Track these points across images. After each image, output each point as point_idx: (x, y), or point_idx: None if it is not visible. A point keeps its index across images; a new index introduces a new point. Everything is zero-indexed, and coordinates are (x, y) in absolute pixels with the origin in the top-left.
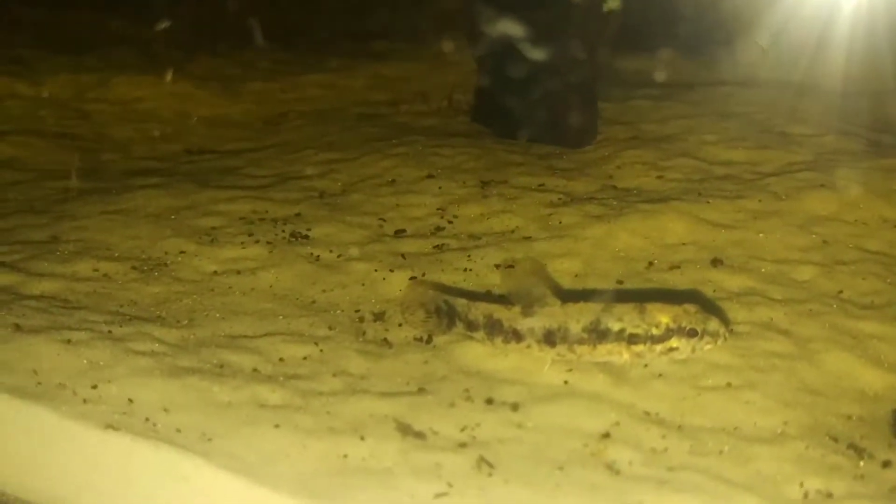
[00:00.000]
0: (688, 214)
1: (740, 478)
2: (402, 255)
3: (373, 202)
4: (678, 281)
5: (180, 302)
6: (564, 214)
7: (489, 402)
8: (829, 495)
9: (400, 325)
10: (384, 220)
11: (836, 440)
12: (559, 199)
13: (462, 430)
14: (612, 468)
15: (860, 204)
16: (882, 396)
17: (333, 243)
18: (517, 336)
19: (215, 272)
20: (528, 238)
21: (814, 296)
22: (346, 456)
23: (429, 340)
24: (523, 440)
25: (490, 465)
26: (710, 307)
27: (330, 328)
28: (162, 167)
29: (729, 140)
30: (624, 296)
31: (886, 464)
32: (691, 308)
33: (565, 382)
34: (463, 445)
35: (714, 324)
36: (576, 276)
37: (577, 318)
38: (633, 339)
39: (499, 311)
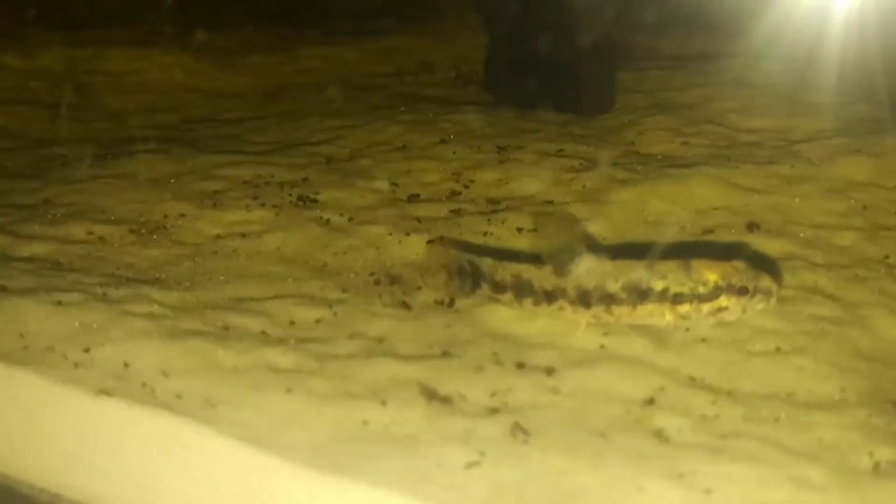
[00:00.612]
0: (718, 179)
1: (801, 447)
2: (418, 219)
3: (383, 167)
4: (713, 246)
5: (181, 265)
6: (588, 179)
7: (520, 366)
8: None
9: (419, 287)
10: (396, 185)
11: None
12: (581, 164)
13: (492, 395)
14: (659, 435)
15: None
16: None
17: (344, 207)
18: (549, 297)
19: (218, 235)
20: (550, 202)
21: (858, 261)
22: (365, 422)
23: (451, 304)
24: (560, 406)
25: (525, 432)
26: (760, 263)
27: (343, 291)
28: (159, 135)
29: (752, 108)
30: (664, 253)
31: None
32: (740, 264)
33: (601, 346)
34: (494, 411)
35: (766, 281)
36: (604, 240)
37: (615, 276)
38: (677, 299)
39: (528, 271)
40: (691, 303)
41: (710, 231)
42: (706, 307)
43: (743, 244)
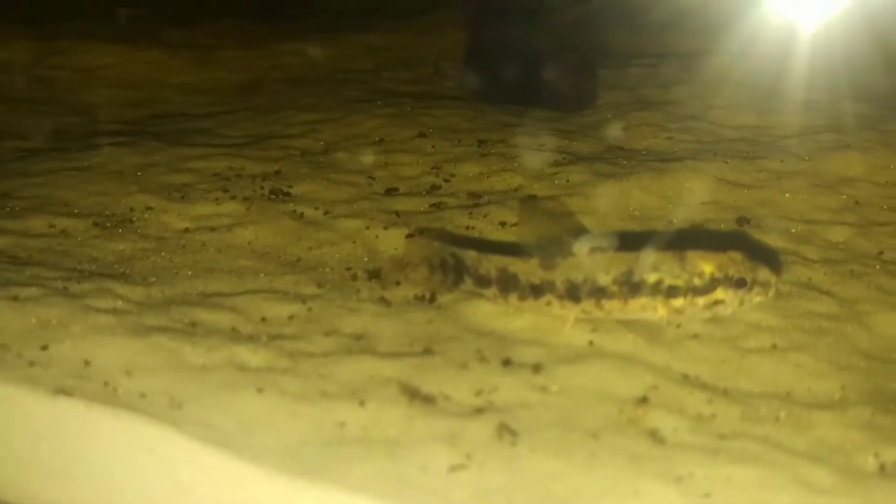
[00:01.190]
0: (705, 174)
1: (804, 447)
2: (396, 213)
3: (359, 161)
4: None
5: (147, 259)
6: (571, 173)
7: (506, 363)
8: None
9: (398, 283)
10: (373, 179)
11: None
12: (564, 158)
13: (477, 394)
14: (654, 436)
15: (890, 165)
16: None
17: (318, 200)
18: (536, 291)
19: (186, 229)
20: (533, 196)
21: (853, 256)
22: (342, 423)
23: (432, 299)
24: (549, 405)
25: (513, 433)
26: (757, 254)
27: (318, 286)
28: (128, 129)
29: (737, 105)
30: (657, 244)
31: None
32: (737, 255)
33: (590, 343)
34: (480, 411)
35: (764, 273)
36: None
37: (605, 268)
38: (671, 292)
39: (514, 265)
40: (686, 296)
41: (700, 226)
42: (701, 300)
43: (740, 233)
